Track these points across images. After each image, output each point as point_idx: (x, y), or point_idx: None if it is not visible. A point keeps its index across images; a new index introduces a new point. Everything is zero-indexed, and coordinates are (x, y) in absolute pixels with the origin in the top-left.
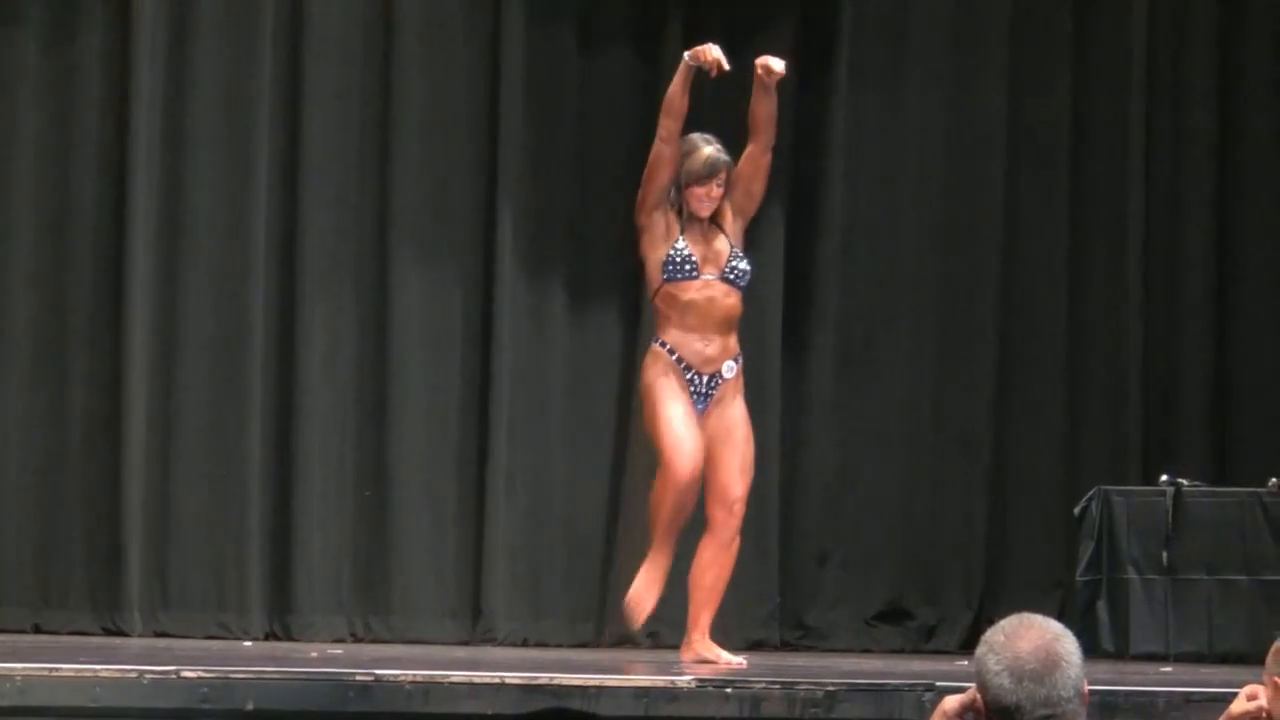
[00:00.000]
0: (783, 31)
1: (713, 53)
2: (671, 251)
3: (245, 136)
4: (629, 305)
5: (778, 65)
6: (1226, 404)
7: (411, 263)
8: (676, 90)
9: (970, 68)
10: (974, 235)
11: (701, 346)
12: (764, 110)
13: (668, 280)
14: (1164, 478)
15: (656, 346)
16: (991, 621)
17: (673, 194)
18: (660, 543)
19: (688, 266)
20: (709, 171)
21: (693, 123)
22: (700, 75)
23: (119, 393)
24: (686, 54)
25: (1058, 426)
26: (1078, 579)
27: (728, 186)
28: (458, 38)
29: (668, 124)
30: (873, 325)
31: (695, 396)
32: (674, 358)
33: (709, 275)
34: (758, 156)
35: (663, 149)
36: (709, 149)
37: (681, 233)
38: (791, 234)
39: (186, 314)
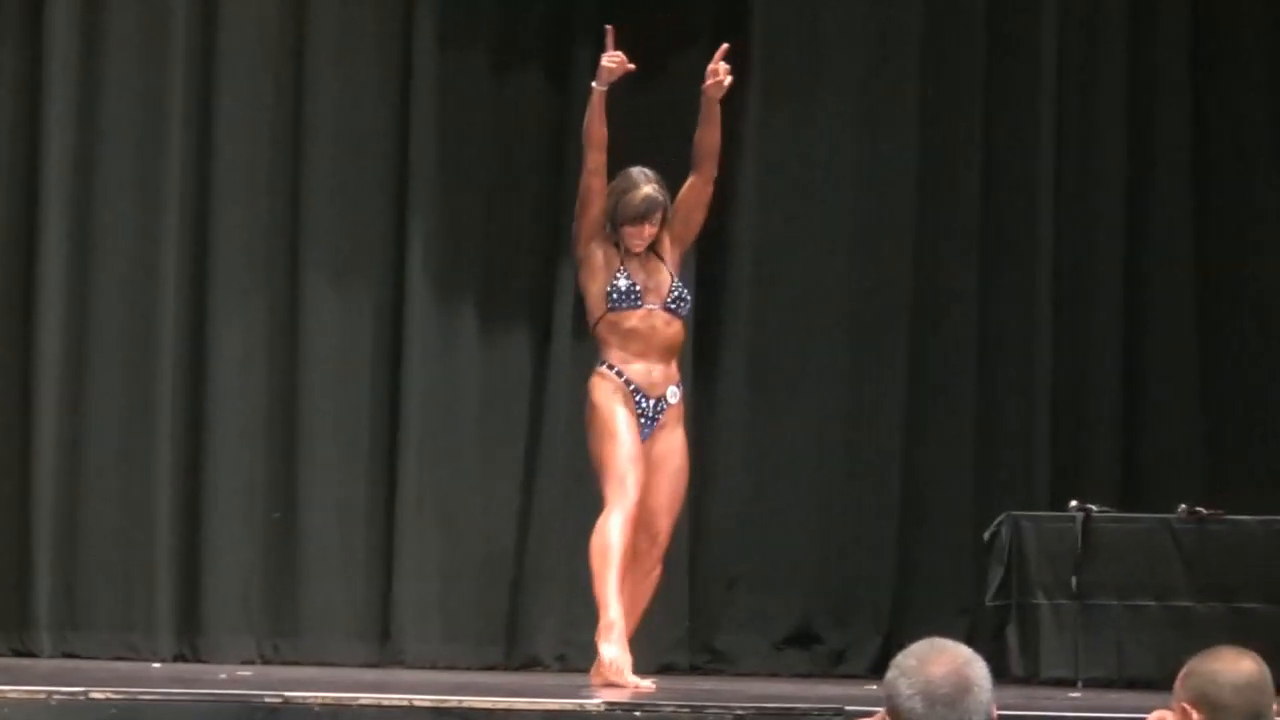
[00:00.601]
0: (694, 53)
1: (612, 61)
2: (614, 282)
3: (156, 155)
4: (540, 327)
5: (725, 68)
6: (1135, 430)
7: (322, 282)
8: (594, 120)
9: (882, 89)
10: (885, 258)
11: (645, 372)
12: (709, 141)
13: (611, 310)
14: (1073, 503)
15: (604, 369)
16: (901, 646)
17: (609, 227)
18: (610, 589)
19: (631, 296)
20: (645, 211)
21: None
22: (614, 94)
23: (27, 411)
24: (595, 83)
25: (967, 451)
26: (988, 603)
27: (663, 223)
28: (369, 58)
29: (593, 156)
30: (783, 349)
31: (643, 420)
32: (622, 379)
33: (651, 304)
34: (700, 188)
35: (591, 181)
36: (646, 189)
37: (622, 263)
38: (702, 255)
39: (96, 332)
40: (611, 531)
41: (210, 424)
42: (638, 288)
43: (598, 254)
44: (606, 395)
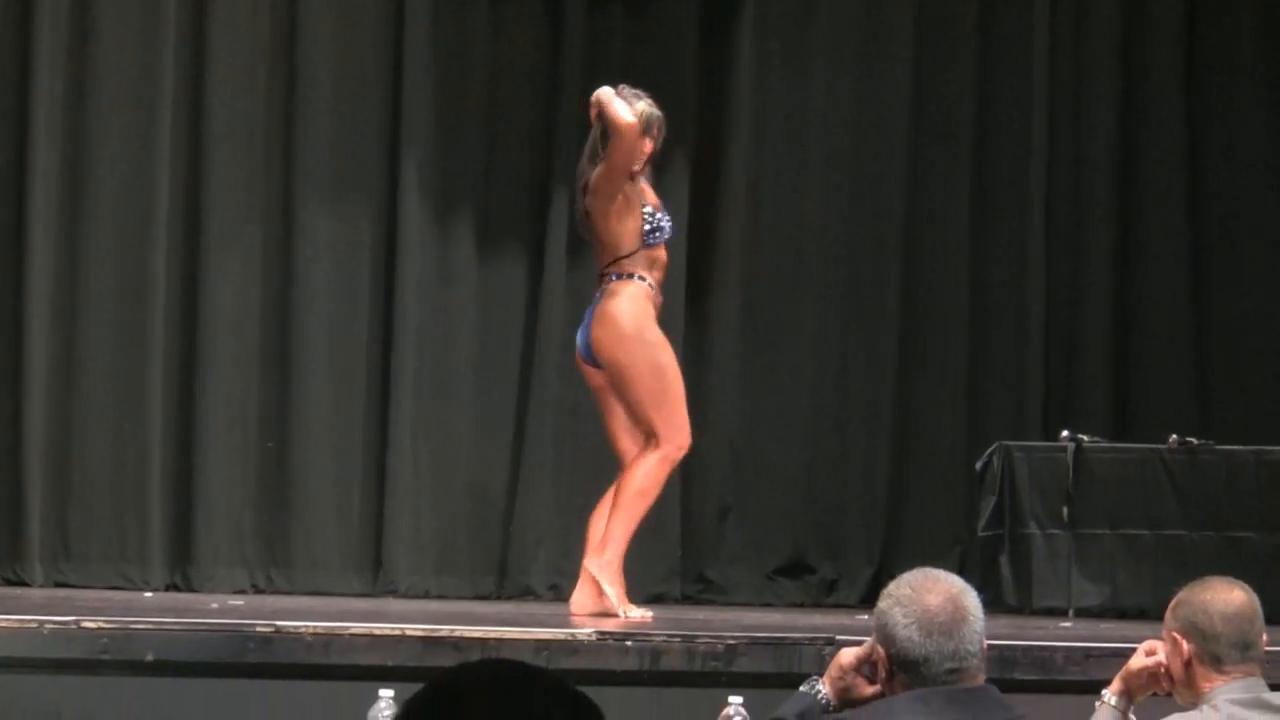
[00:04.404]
0: None
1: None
2: (646, 216)
3: (150, 86)
4: (535, 258)
5: None
6: (1126, 361)
7: (316, 214)
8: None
9: (876, 36)
10: (878, 197)
11: (660, 299)
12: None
13: (649, 245)
14: (1065, 433)
15: (645, 285)
16: (892, 576)
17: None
18: (629, 535)
19: (664, 229)
20: (643, 128)
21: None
22: (605, 25)
23: (20, 343)
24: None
25: (959, 382)
26: (980, 534)
27: (658, 140)
28: None
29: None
30: (777, 283)
31: None
32: (654, 301)
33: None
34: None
35: (643, 145)
36: (641, 104)
37: (643, 198)
38: (695, 195)
39: (89, 263)
40: (661, 481)
41: (204, 355)
42: (665, 219)
43: (621, 196)
44: (653, 320)
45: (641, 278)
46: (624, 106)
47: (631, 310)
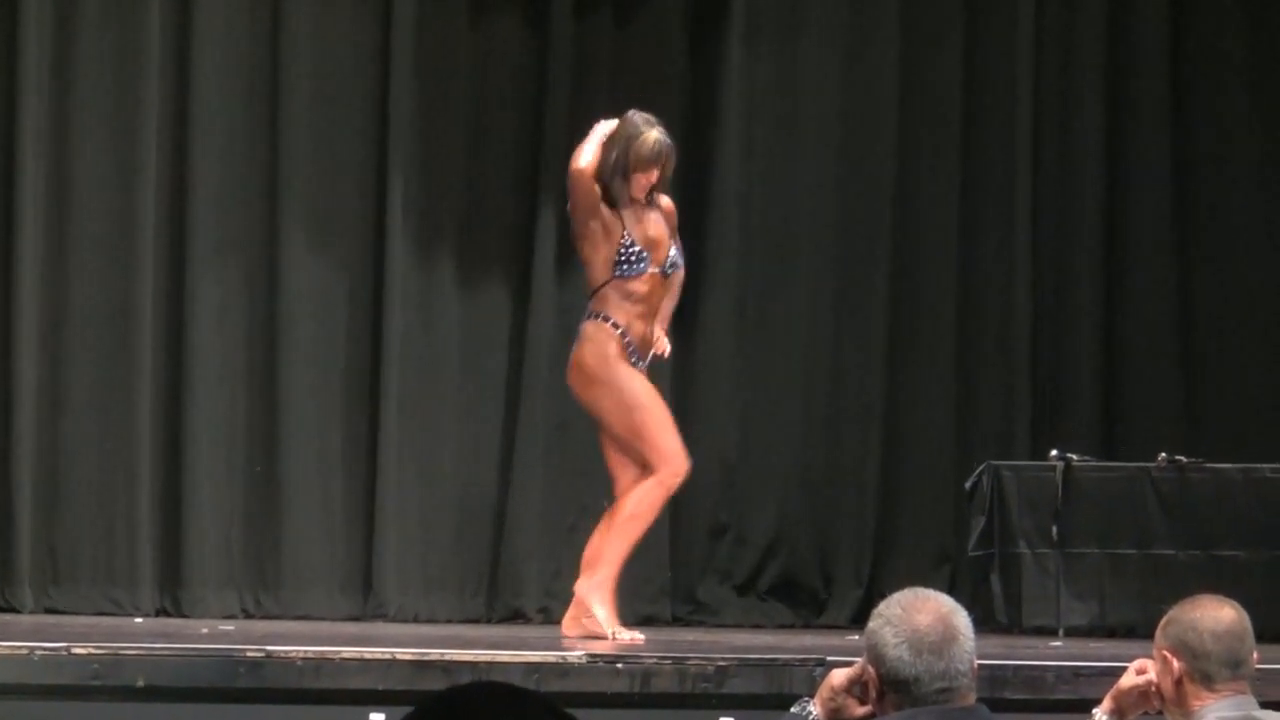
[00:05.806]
0: None
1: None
2: (621, 248)
3: (133, 111)
4: (520, 277)
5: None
6: (1115, 380)
7: (301, 237)
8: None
9: (863, 26)
10: (867, 201)
11: (643, 329)
12: None
13: (619, 276)
14: (1054, 453)
15: (608, 326)
16: (882, 596)
17: (613, 176)
18: (624, 559)
19: (640, 262)
20: (654, 157)
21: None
22: (593, 33)
23: (7, 368)
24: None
25: (948, 402)
26: (970, 553)
27: (667, 169)
28: (347, 9)
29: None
30: (766, 299)
31: None
32: (625, 340)
33: (654, 269)
34: None
35: (592, 183)
36: (654, 133)
37: (624, 227)
38: (684, 196)
39: (76, 286)
40: (656, 506)
41: (190, 379)
42: (645, 253)
43: (595, 225)
44: (617, 360)
45: (607, 318)
46: (589, 148)
47: (592, 354)
